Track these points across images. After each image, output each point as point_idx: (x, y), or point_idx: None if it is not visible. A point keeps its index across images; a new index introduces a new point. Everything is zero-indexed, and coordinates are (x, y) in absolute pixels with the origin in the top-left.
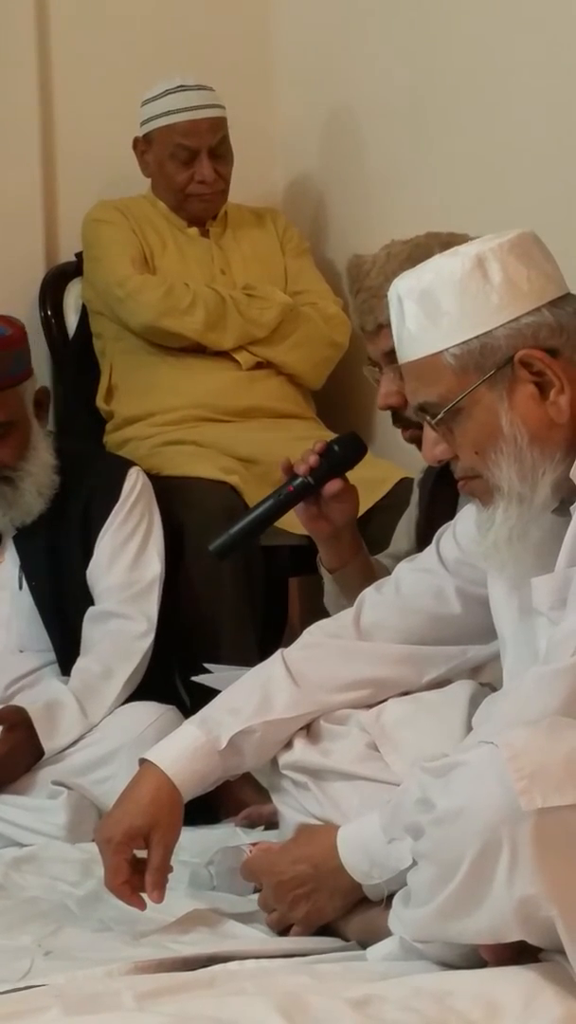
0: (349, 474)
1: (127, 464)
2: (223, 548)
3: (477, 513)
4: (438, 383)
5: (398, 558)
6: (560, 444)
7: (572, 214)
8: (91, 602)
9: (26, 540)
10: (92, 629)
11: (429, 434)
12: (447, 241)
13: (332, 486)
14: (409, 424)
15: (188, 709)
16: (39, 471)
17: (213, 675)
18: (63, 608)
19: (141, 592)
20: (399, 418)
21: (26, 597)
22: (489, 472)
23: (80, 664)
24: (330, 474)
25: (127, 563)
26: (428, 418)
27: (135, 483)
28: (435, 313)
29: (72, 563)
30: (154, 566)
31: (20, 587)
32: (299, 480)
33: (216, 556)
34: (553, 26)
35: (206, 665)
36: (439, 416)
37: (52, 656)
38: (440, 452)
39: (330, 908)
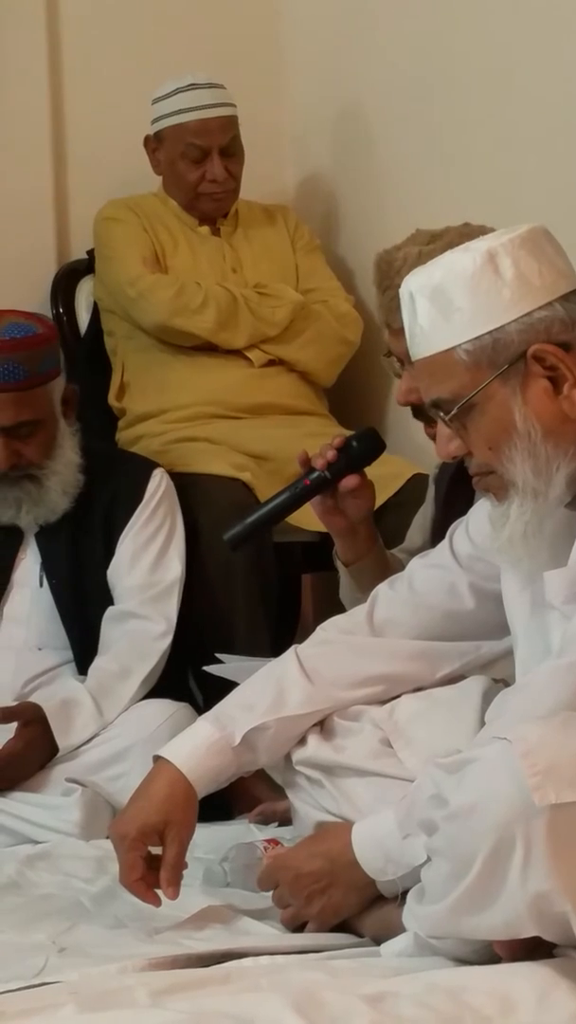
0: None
1: (152, 465)
2: (237, 539)
3: (491, 509)
4: (451, 379)
5: (412, 553)
6: (574, 438)
7: None
8: (111, 602)
9: (48, 538)
10: (111, 629)
11: (443, 431)
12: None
13: (349, 481)
14: (431, 420)
15: (201, 706)
16: (65, 470)
17: (226, 666)
18: (82, 607)
19: (161, 593)
20: (420, 413)
21: (46, 595)
22: (503, 468)
23: (97, 663)
24: (347, 469)
25: (148, 564)
26: (441, 415)
27: (159, 485)
28: (447, 309)
29: (93, 562)
30: (175, 568)
31: (41, 584)
32: (316, 474)
33: (230, 547)
34: (561, 18)
35: (219, 655)
36: (452, 412)
37: (70, 655)
38: (454, 448)
39: (345, 904)
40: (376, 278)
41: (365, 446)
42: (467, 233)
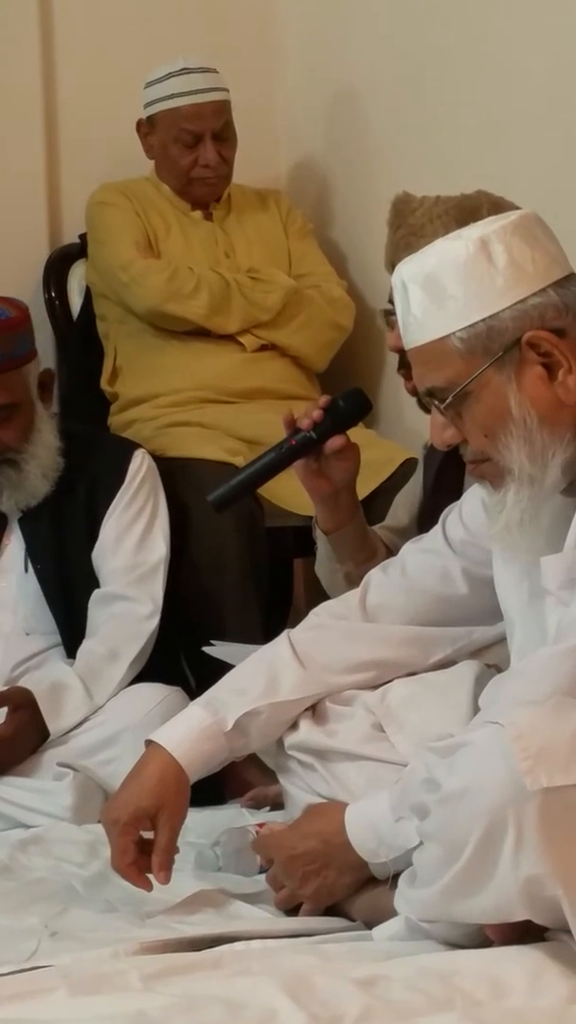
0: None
1: (132, 446)
2: (221, 500)
3: (487, 496)
4: (445, 367)
5: (395, 530)
6: (569, 425)
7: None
8: (96, 584)
9: (31, 522)
10: (97, 611)
11: (437, 419)
12: (496, 202)
13: (334, 442)
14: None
15: (193, 690)
16: (44, 453)
17: (221, 648)
18: (68, 590)
19: (146, 574)
20: (404, 364)
21: (32, 580)
22: (499, 455)
23: (85, 646)
24: (333, 430)
25: (132, 545)
26: (436, 403)
27: (140, 465)
28: (440, 297)
29: (77, 545)
30: (159, 548)
31: (26, 570)
32: (301, 434)
33: (214, 508)
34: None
35: (212, 642)
36: (447, 401)
37: (58, 639)
38: (449, 437)
39: (339, 885)
40: (390, 216)
41: (351, 405)
42: (498, 203)
